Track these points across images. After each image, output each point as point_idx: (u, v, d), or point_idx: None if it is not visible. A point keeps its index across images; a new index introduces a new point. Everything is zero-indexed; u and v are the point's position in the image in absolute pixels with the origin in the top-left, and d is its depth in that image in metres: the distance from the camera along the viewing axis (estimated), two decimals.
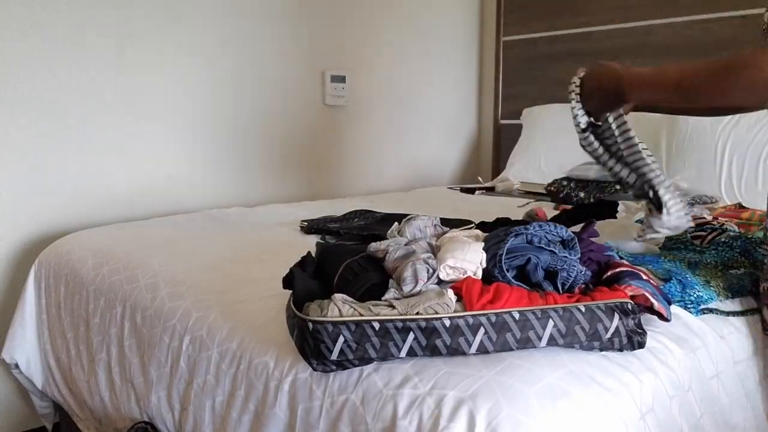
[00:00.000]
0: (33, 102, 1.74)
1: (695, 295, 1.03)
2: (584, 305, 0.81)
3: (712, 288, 1.08)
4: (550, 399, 0.72)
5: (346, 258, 0.93)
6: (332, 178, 2.52)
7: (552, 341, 0.79)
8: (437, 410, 0.71)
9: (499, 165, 2.95)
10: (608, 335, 0.81)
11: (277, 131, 2.32)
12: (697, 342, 0.95)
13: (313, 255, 1.03)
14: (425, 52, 2.80)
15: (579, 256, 0.90)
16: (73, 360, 1.42)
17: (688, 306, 1.02)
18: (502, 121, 2.98)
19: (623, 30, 2.51)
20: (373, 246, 0.94)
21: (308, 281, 0.92)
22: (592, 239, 1.03)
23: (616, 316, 0.81)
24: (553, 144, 2.54)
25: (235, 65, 2.16)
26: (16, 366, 1.59)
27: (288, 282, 0.94)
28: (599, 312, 0.81)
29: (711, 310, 1.04)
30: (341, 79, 2.46)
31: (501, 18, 2.92)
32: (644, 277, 0.92)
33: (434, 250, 0.92)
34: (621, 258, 1.04)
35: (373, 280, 0.87)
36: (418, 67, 2.78)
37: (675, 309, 0.99)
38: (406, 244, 0.93)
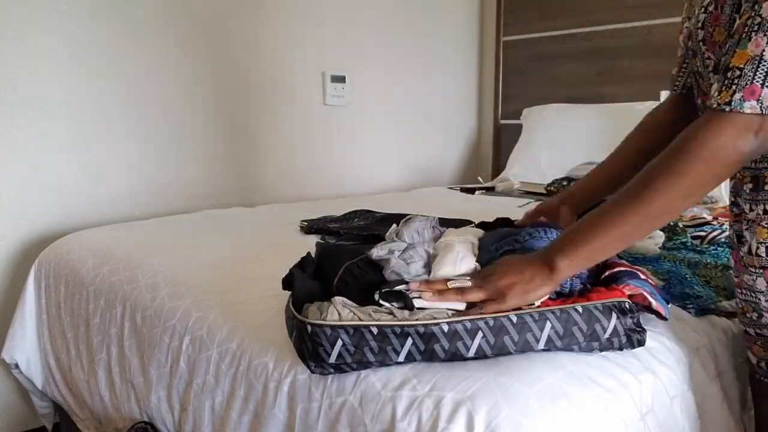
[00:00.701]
0: (33, 102, 1.74)
1: (695, 295, 1.03)
2: (581, 306, 0.80)
3: (711, 288, 1.08)
4: (549, 400, 0.72)
5: (346, 260, 0.93)
6: (332, 178, 2.52)
7: (550, 343, 0.79)
8: (436, 411, 0.71)
9: (499, 165, 2.95)
10: (606, 335, 0.81)
11: (277, 131, 2.32)
12: (696, 342, 0.95)
13: (313, 255, 1.03)
14: (425, 52, 2.80)
15: None
16: (73, 360, 1.42)
17: (688, 306, 1.02)
18: (502, 121, 2.98)
19: (623, 30, 2.51)
20: (375, 254, 0.93)
21: (308, 282, 0.91)
22: None
23: (614, 316, 0.81)
24: (553, 144, 2.54)
25: (235, 65, 2.16)
26: (16, 366, 1.59)
27: (287, 283, 0.93)
28: (596, 312, 0.81)
29: (711, 310, 1.04)
30: (341, 79, 2.46)
31: (501, 18, 2.92)
32: (642, 276, 0.92)
33: (431, 258, 0.92)
34: (620, 258, 1.04)
35: (373, 281, 0.87)
36: (418, 67, 2.78)
37: (675, 309, 0.99)
38: (404, 251, 0.92)
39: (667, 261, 1.17)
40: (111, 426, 1.30)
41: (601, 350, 0.83)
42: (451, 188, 2.59)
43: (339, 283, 0.90)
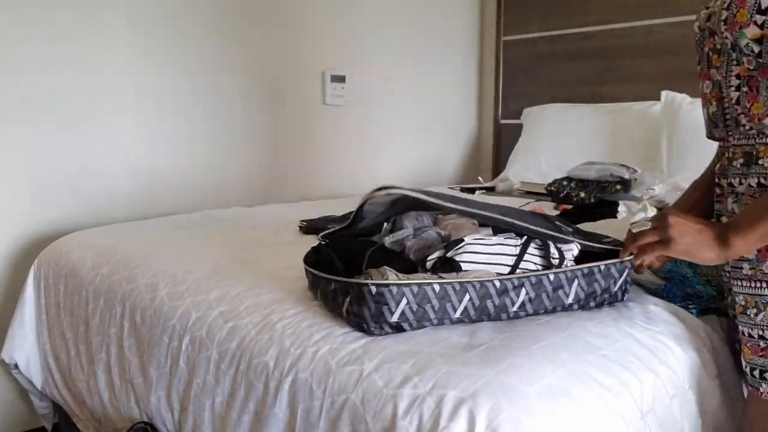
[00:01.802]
0: (33, 102, 1.74)
1: (696, 295, 1.03)
2: (604, 264, 0.93)
3: (713, 287, 1.07)
4: (550, 398, 0.72)
5: (367, 247, 0.98)
6: (332, 178, 2.52)
7: (576, 297, 0.91)
8: (437, 410, 0.71)
9: (499, 165, 2.94)
10: (615, 288, 0.94)
11: (277, 131, 2.31)
12: (697, 341, 0.95)
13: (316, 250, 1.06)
14: (425, 52, 2.80)
15: None
16: (73, 360, 1.42)
17: (690, 306, 1.02)
18: (502, 121, 2.98)
19: (623, 30, 2.51)
20: (388, 242, 0.99)
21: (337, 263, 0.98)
22: None
23: (626, 272, 0.95)
24: (553, 144, 2.54)
25: (236, 65, 2.16)
26: (16, 366, 1.59)
27: (310, 258, 0.99)
28: (614, 270, 0.94)
29: (712, 310, 1.04)
30: (341, 79, 2.46)
31: (501, 18, 2.92)
32: None
33: (444, 237, 0.97)
34: None
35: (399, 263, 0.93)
36: (418, 67, 2.78)
37: (676, 309, 1.00)
38: (416, 234, 0.98)
39: (668, 261, 1.17)
40: (111, 426, 1.30)
41: (609, 303, 0.96)
42: (451, 188, 2.58)
43: (369, 264, 0.94)
